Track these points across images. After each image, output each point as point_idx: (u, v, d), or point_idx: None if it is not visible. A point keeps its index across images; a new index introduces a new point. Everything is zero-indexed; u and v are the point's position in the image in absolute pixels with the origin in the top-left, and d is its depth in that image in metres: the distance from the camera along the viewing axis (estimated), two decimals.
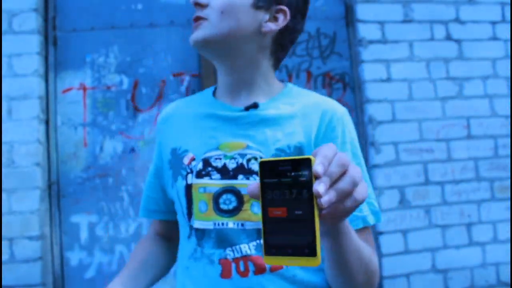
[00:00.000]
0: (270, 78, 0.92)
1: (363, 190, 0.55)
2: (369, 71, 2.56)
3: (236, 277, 0.82)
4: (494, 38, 2.70)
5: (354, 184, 0.53)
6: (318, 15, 2.66)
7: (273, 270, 0.82)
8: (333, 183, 0.52)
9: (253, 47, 0.88)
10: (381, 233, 2.47)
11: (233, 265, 0.82)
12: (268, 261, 0.54)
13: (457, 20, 2.67)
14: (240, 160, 0.84)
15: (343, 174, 0.52)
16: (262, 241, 0.54)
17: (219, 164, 0.85)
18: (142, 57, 2.52)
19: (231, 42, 0.86)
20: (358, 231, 0.79)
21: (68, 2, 2.50)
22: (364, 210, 0.83)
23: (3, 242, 2.21)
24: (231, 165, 0.84)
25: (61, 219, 2.39)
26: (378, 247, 2.47)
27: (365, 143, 2.56)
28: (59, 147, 2.43)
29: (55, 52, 2.47)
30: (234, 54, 0.88)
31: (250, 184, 0.55)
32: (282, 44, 0.91)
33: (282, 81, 0.97)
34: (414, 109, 2.57)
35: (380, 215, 0.85)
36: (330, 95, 2.62)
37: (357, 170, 0.54)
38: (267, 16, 0.87)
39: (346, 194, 0.53)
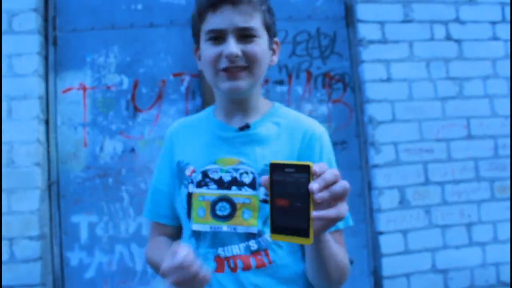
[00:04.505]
0: (260, 97, 1.05)
1: (346, 206, 0.70)
2: (369, 71, 2.56)
3: (228, 271, 0.96)
4: (494, 38, 2.70)
5: (345, 190, 0.68)
6: (318, 15, 2.66)
7: (258, 267, 0.95)
8: (328, 186, 0.66)
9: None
10: (381, 233, 2.47)
11: (225, 262, 0.96)
12: (274, 238, 0.71)
13: (457, 20, 2.67)
14: (234, 174, 0.98)
15: (336, 181, 0.67)
16: (269, 222, 0.70)
17: (216, 176, 0.99)
18: (142, 57, 2.52)
19: (258, 85, 1.01)
20: (330, 234, 0.91)
21: (68, 2, 2.50)
22: None
23: (3, 242, 2.21)
24: (226, 177, 0.98)
25: (61, 219, 2.39)
26: (378, 247, 2.47)
27: (365, 143, 2.56)
28: (59, 147, 2.43)
29: (55, 52, 2.46)
30: (252, 92, 1.01)
31: (263, 177, 0.71)
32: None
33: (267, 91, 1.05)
34: (414, 109, 2.57)
35: (349, 220, 1.00)
36: (330, 95, 2.63)
37: (346, 183, 0.68)
38: (271, 52, 1.02)
39: (338, 197, 0.67)
